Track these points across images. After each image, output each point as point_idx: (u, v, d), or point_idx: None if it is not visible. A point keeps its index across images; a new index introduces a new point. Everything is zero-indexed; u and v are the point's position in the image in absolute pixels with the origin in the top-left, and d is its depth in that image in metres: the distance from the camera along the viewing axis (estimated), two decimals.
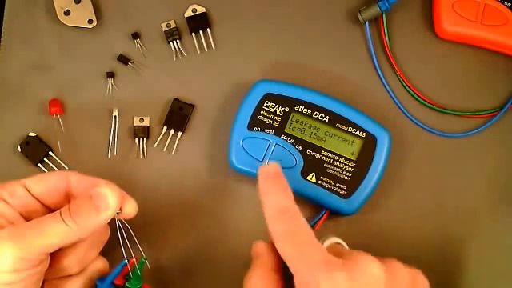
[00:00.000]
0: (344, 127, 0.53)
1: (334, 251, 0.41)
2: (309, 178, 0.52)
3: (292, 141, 0.53)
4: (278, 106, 0.53)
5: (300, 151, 0.52)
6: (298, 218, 0.41)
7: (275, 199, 0.42)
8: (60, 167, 0.55)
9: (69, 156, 0.56)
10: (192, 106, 0.56)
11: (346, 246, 0.46)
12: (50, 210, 0.45)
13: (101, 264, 0.47)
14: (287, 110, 0.53)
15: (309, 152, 0.52)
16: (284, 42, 0.58)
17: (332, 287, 0.38)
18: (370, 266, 0.39)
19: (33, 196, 0.44)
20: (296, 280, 0.39)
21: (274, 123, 0.53)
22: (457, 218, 0.55)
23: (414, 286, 0.41)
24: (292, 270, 0.40)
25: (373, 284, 0.39)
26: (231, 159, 0.53)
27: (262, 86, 0.53)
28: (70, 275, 0.45)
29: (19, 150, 0.55)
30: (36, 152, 0.55)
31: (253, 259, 0.43)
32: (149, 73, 0.57)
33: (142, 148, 0.56)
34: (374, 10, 0.56)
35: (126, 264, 0.45)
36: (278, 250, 0.41)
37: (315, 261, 0.39)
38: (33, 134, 0.55)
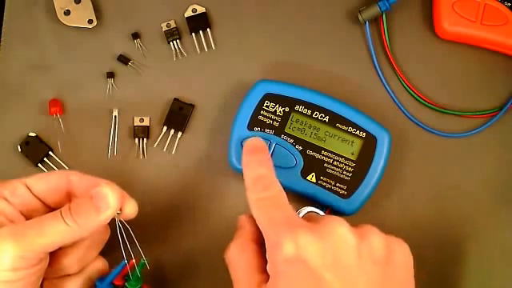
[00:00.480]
0: (344, 127, 0.53)
1: (308, 218, 0.42)
2: (309, 178, 0.52)
3: (292, 141, 0.53)
4: (278, 106, 0.53)
5: (300, 151, 0.52)
6: (271, 184, 0.42)
7: (253, 170, 0.44)
8: (60, 167, 0.55)
9: (69, 156, 0.56)
10: (192, 106, 0.56)
11: (322, 213, 0.46)
12: (50, 209, 0.44)
13: (100, 264, 0.47)
14: (287, 110, 0.53)
15: (309, 152, 0.52)
16: (284, 42, 0.58)
17: (296, 248, 0.38)
18: (338, 228, 0.39)
19: (34, 195, 0.44)
20: (266, 245, 0.40)
21: (274, 123, 0.53)
22: (457, 217, 0.55)
23: (392, 252, 0.40)
24: (263, 234, 0.40)
25: (340, 245, 0.39)
26: (231, 159, 0.53)
27: (262, 85, 0.53)
28: (70, 275, 0.45)
29: (19, 149, 0.55)
30: (36, 152, 0.55)
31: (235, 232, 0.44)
32: (149, 73, 0.57)
33: (142, 148, 0.56)
34: (374, 10, 0.56)
35: (125, 264, 0.45)
36: (255, 218, 0.42)
37: (280, 222, 0.40)
38: (33, 134, 0.55)
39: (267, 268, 0.40)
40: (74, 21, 0.57)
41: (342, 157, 0.52)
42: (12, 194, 0.43)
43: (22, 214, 0.43)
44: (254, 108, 0.53)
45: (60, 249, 0.43)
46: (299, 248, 0.38)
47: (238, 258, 0.42)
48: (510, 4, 0.55)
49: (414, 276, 0.42)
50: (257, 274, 0.41)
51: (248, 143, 0.45)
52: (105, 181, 0.43)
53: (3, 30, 0.58)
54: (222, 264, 0.54)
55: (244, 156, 0.45)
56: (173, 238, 0.54)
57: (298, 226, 0.39)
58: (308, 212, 0.47)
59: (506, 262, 0.55)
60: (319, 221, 0.40)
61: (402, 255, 0.41)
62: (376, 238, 0.40)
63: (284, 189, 0.53)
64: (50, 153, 0.55)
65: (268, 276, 0.40)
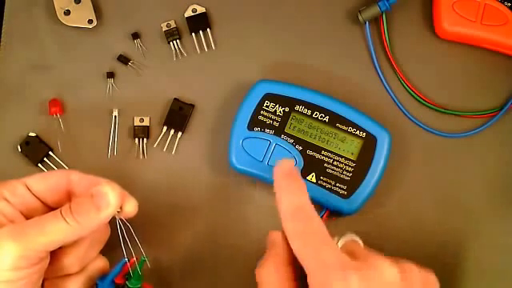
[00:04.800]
0: (344, 127, 0.53)
1: (349, 250, 0.41)
2: (309, 178, 0.52)
3: (292, 141, 0.53)
4: (277, 105, 0.53)
5: (300, 151, 0.52)
6: (312, 216, 0.41)
7: (290, 197, 0.42)
8: (60, 167, 0.55)
9: (69, 156, 0.55)
10: (192, 106, 0.56)
11: (361, 243, 0.46)
12: (50, 208, 0.44)
13: (101, 263, 0.47)
14: (287, 110, 0.53)
15: (309, 152, 0.52)
16: (284, 42, 0.58)
17: None
18: (386, 271, 0.39)
19: (33, 195, 0.44)
20: (309, 280, 0.39)
21: (274, 123, 0.53)
22: (457, 218, 0.55)
23: None
24: (306, 269, 0.40)
25: None
26: (231, 159, 0.53)
27: (262, 85, 0.53)
28: (71, 274, 0.45)
29: (19, 150, 0.55)
30: (36, 152, 0.55)
31: (267, 248, 0.43)
32: (149, 73, 0.57)
33: (142, 148, 0.56)
34: (374, 10, 0.56)
35: (125, 263, 0.45)
36: (292, 249, 0.41)
37: (329, 262, 0.39)
38: (33, 134, 0.55)
39: None
40: (74, 21, 0.57)
41: (342, 157, 0.52)
42: (12, 194, 0.43)
43: (21, 213, 0.43)
44: (253, 108, 0.53)
45: (61, 248, 0.43)
46: None
47: (272, 280, 0.41)
48: (510, 4, 0.55)
49: None
50: None
51: (283, 165, 0.44)
52: (105, 180, 0.43)
53: (3, 30, 0.58)
54: (222, 264, 0.54)
55: (280, 179, 0.43)
56: (173, 238, 0.54)
57: (349, 267, 0.38)
58: (347, 240, 0.47)
59: (507, 261, 0.55)
60: (365, 260, 0.40)
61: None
62: (416, 278, 0.40)
63: None
64: (50, 153, 0.55)
65: None
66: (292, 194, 0.42)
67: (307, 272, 0.40)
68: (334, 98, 0.53)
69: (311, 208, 0.42)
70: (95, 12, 0.57)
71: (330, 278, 0.38)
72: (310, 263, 0.40)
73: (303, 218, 0.41)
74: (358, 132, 0.52)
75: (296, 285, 0.41)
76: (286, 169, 0.43)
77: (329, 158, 0.52)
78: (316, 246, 0.40)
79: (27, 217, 0.43)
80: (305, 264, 0.40)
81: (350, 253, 0.40)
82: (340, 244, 0.44)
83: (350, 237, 0.44)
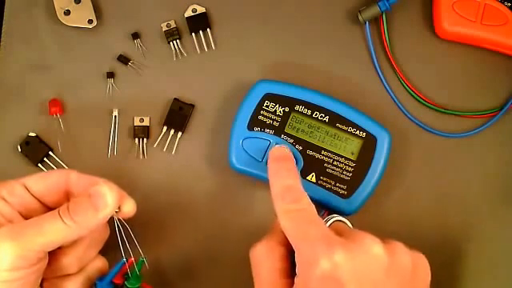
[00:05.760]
0: (344, 127, 0.53)
1: (337, 229, 0.42)
2: (309, 177, 0.52)
3: (292, 141, 0.52)
4: (277, 106, 0.53)
5: (300, 151, 0.52)
6: (300, 196, 0.43)
7: (280, 179, 0.44)
8: (60, 167, 0.55)
9: (69, 156, 0.56)
10: (192, 106, 0.56)
11: (349, 224, 0.47)
12: (49, 208, 0.44)
13: (100, 263, 0.47)
14: (287, 110, 0.53)
15: (309, 152, 0.52)
16: (284, 42, 0.58)
17: (332, 265, 0.38)
18: (372, 247, 0.40)
19: (32, 195, 0.44)
20: (297, 257, 0.40)
21: (274, 123, 0.53)
22: (457, 218, 0.55)
23: (415, 269, 0.41)
24: (294, 246, 0.41)
25: (373, 264, 0.39)
26: (231, 159, 0.53)
27: (262, 85, 0.53)
28: (69, 274, 0.45)
29: (19, 150, 0.55)
30: (36, 152, 0.55)
31: None
32: (149, 73, 0.57)
33: (142, 148, 0.56)
34: (374, 10, 0.56)
35: (124, 263, 0.45)
36: (282, 228, 0.42)
37: (315, 238, 0.40)
38: (33, 134, 0.55)
39: (296, 280, 0.40)
40: (74, 21, 0.57)
41: (341, 157, 0.52)
42: (10, 194, 0.43)
43: (20, 214, 0.43)
44: (253, 108, 0.53)
45: (59, 248, 0.43)
46: (335, 266, 0.38)
47: (265, 259, 0.43)
48: (510, 4, 0.55)
49: None
50: (280, 278, 0.42)
51: (274, 151, 0.47)
52: (103, 179, 0.43)
53: (3, 30, 0.58)
54: (221, 264, 0.54)
55: (271, 163, 0.46)
56: (172, 238, 0.54)
57: (335, 243, 0.39)
58: (335, 221, 0.47)
59: (506, 261, 0.55)
60: (352, 236, 0.40)
61: (424, 271, 0.42)
62: (404, 257, 0.41)
63: None
64: (50, 153, 0.55)
65: (291, 282, 0.41)
66: (281, 176, 0.44)
67: (295, 249, 0.41)
68: (334, 97, 0.53)
69: (300, 188, 0.43)
70: (95, 12, 0.57)
71: (316, 253, 0.39)
72: (297, 240, 0.41)
73: (291, 197, 0.43)
74: (358, 132, 0.52)
75: (288, 264, 0.42)
76: (276, 154, 0.46)
77: (329, 157, 0.52)
78: (303, 223, 0.41)
79: (26, 217, 0.43)
80: (292, 241, 0.41)
81: (338, 231, 0.41)
82: (328, 224, 0.45)
83: (338, 217, 0.45)
